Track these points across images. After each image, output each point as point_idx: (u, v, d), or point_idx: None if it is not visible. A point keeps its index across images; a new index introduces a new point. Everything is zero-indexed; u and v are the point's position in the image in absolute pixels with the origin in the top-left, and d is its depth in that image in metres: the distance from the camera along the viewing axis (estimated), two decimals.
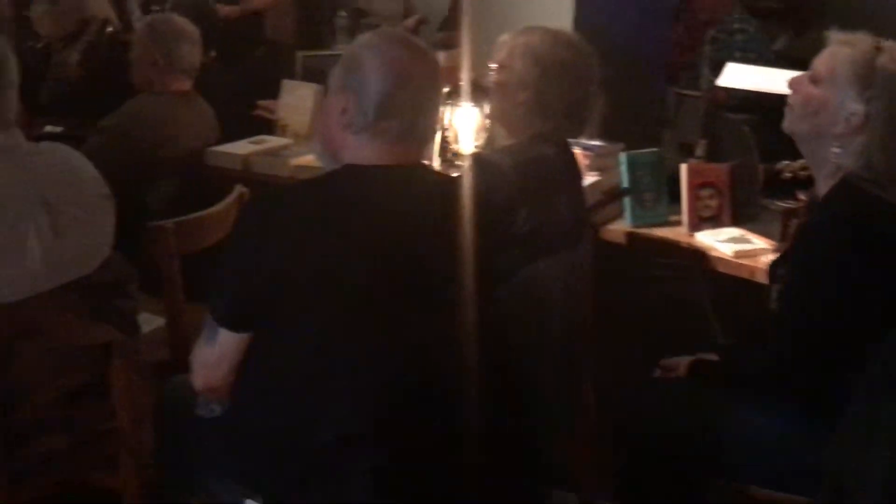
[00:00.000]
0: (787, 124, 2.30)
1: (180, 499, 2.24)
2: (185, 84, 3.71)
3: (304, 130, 3.81)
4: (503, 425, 2.00)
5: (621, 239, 3.16)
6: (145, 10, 7.70)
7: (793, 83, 2.31)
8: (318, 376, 1.86)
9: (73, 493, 2.49)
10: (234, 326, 1.93)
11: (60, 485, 2.39)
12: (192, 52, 3.71)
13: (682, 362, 2.41)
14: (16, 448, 2.21)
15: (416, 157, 1.99)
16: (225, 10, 6.20)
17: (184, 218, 2.75)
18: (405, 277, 1.89)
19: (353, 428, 1.83)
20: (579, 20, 4.11)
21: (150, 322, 2.76)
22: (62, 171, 2.37)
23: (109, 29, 5.66)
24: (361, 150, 1.93)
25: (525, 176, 2.42)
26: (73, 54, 5.52)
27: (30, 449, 2.27)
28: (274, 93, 4.10)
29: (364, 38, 2.04)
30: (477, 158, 2.61)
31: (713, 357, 2.40)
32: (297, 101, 3.87)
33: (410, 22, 7.96)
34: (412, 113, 1.92)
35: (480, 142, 3.23)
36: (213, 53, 4.51)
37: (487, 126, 3.01)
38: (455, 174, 2.48)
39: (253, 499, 2.01)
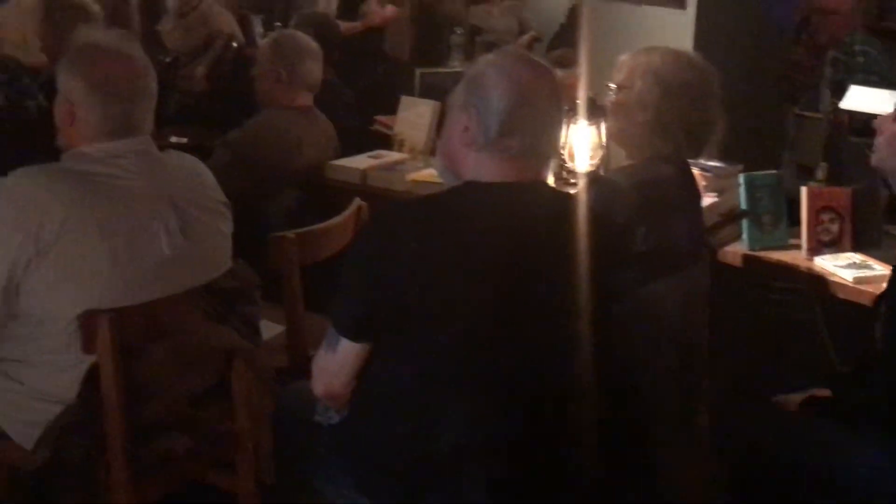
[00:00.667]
0: (875, 161, 2.26)
1: (295, 502, 2.29)
2: (307, 99, 3.78)
3: (420, 146, 3.85)
4: (617, 442, 2.00)
5: (738, 261, 3.11)
6: (267, 26, 7.91)
7: (879, 122, 2.27)
8: (436, 388, 1.88)
9: (192, 492, 2.55)
10: (354, 336, 1.95)
11: (180, 484, 2.44)
12: (314, 69, 3.78)
13: (795, 399, 2.37)
14: (141, 446, 2.26)
15: (537, 175, 2.00)
16: (345, 26, 6.32)
17: (305, 229, 2.78)
18: (523, 293, 1.89)
19: (469, 439, 1.85)
20: (699, 39, 4.06)
21: (269, 329, 2.81)
22: (188, 177, 2.45)
23: (234, 44, 5.82)
24: (482, 167, 1.95)
25: (644, 196, 2.40)
26: (199, 68, 5.69)
27: (154, 448, 2.32)
28: (391, 108, 4.15)
29: (487, 56, 2.05)
30: (596, 178, 2.61)
31: (826, 393, 2.35)
32: (414, 116, 3.90)
33: (525, 39, 7.97)
34: (534, 131, 1.93)
35: (596, 160, 3.23)
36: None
37: (603, 144, 3.00)
38: (571, 192, 2.48)
39: None
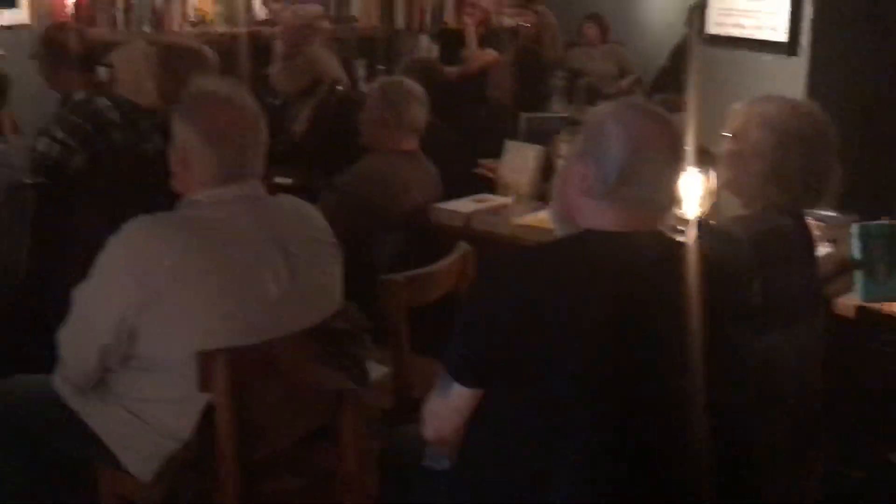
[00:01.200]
0: None
1: None
2: (412, 143, 3.83)
3: (525, 190, 3.85)
4: (728, 496, 1.96)
5: (851, 313, 3.02)
6: (370, 70, 8.04)
7: None
8: (550, 439, 1.85)
9: None
10: (467, 381, 1.95)
11: None
12: (419, 113, 3.83)
13: None
14: (252, 485, 2.28)
15: (654, 224, 1.98)
16: (447, 71, 6.39)
17: (413, 273, 2.81)
18: (638, 342, 1.87)
19: (583, 494, 1.83)
20: (812, 86, 4.00)
21: (375, 370, 2.81)
22: (296, 220, 2.49)
23: (339, 88, 5.93)
24: (600, 216, 1.94)
25: (760, 247, 2.37)
26: (305, 110, 5.80)
27: (264, 487, 2.34)
28: (494, 152, 4.17)
29: (606, 106, 2.06)
30: (712, 228, 2.57)
31: None
32: (519, 161, 3.91)
33: (626, 82, 7.97)
34: (652, 181, 1.93)
35: (706, 208, 3.20)
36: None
37: (714, 192, 2.97)
38: (686, 241, 2.45)
39: None
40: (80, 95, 3.80)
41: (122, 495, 2.47)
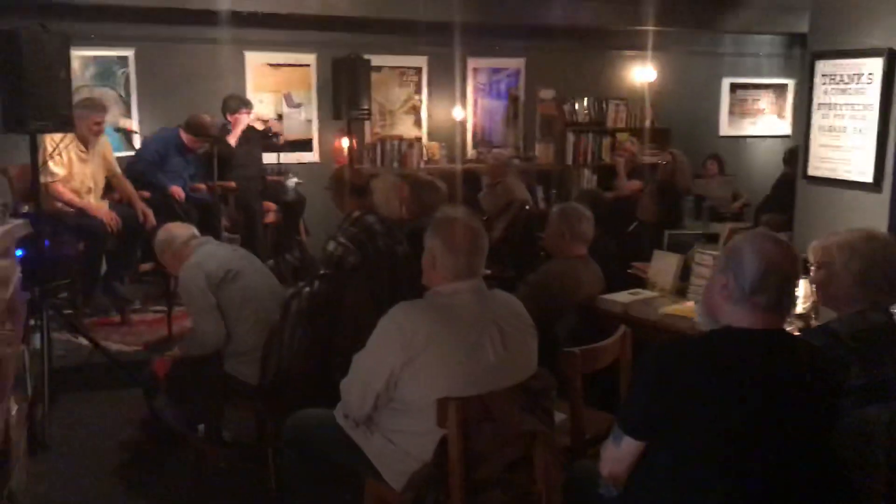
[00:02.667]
0: None
1: None
2: (582, 250, 3.80)
3: (668, 287, 3.76)
4: None
5: None
6: (546, 193, 8.10)
7: None
8: (698, 481, 1.80)
9: None
10: (636, 436, 1.91)
11: None
12: (588, 228, 3.80)
13: None
14: (473, 497, 2.28)
15: (779, 324, 1.92)
16: (607, 195, 6.37)
17: (586, 347, 2.76)
18: (768, 414, 1.80)
19: None
20: (894, 221, 3.78)
21: (558, 417, 2.78)
22: (507, 306, 2.50)
23: (527, 207, 6.00)
24: (737, 316, 1.89)
25: (857, 339, 2.24)
26: (502, 222, 5.89)
27: (481, 500, 2.32)
28: (645, 257, 4.11)
29: (743, 235, 2.01)
30: (820, 328, 2.44)
31: None
32: (664, 265, 3.83)
33: (737, 205, 7.72)
34: (778, 291, 1.87)
35: (808, 306, 3.05)
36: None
37: (812, 294, 2.82)
38: (796, 335, 2.34)
39: None
40: (356, 213, 3.96)
41: (381, 498, 2.51)
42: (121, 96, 6.81)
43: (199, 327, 3.28)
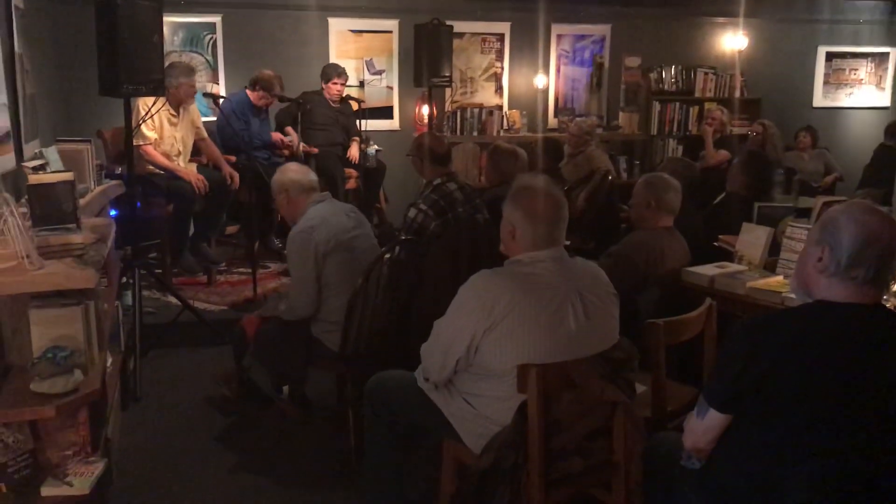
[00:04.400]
0: None
1: None
2: (669, 221, 3.71)
3: (756, 261, 3.66)
4: None
5: None
6: (629, 164, 7.96)
7: None
8: (785, 455, 1.77)
9: (581, 501, 2.54)
10: (721, 409, 1.90)
11: (574, 494, 2.43)
12: (675, 199, 3.71)
13: None
14: (550, 464, 2.29)
15: (877, 299, 1.85)
16: (697, 165, 6.22)
17: (670, 319, 2.73)
18: (861, 391, 1.75)
19: (809, 499, 1.72)
20: None
21: (639, 388, 2.76)
22: (589, 275, 2.46)
23: (609, 177, 5.91)
24: (832, 290, 1.84)
25: None
26: (582, 193, 5.83)
27: (559, 466, 2.33)
28: (733, 229, 4.00)
29: (840, 206, 1.93)
30: None
31: None
32: (752, 238, 3.72)
33: (829, 179, 7.45)
34: (877, 264, 1.80)
35: None
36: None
37: None
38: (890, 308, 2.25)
39: None
40: (436, 180, 3.98)
41: (459, 460, 2.55)
42: (208, 62, 6.99)
43: (295, 295, 3.31)
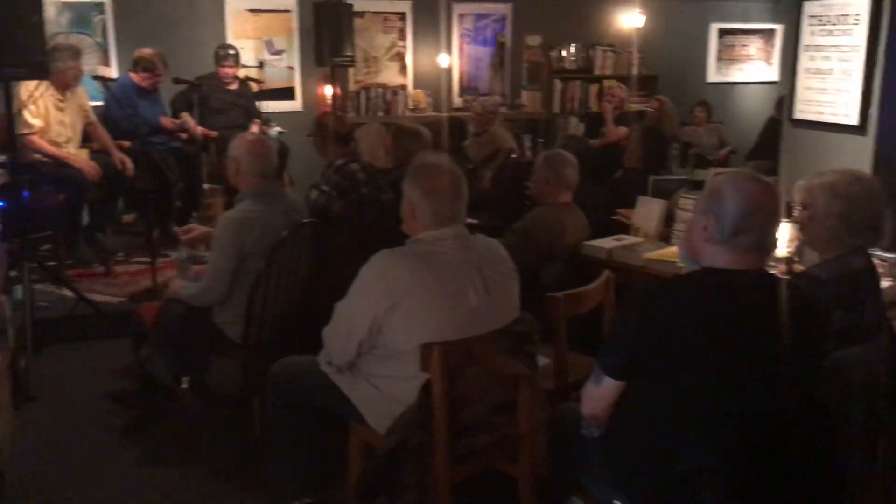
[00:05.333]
0: None
1: (562, 490, 2.27)
2: (568, 197, 3.78)
3: (652, 233, 3.77)
4: (818, 472, 1.87)
5: None
6: (533, 142, 8.05)
7: None
8: (679, 420, 1.82)
9: (487, 475, 2.58)
10: (616, 376, 1.93)
11: (480, 468, 2.47)
12: (573, 174, 3.78)
13: None
14: (457, 440, 2.32)
15: (760, 265, 1.92)
16: (593, 142, 6.34)
17: (569, 292, 2.77)
18: (749, 352, 1.82)
19: (706, 461, 1.78)
20: (878, 160, 3.76)
21: (541, 361, 2.80)
22: (489, 252, 2.48)
23: (513, 156, 5.96)
24: (718, 257, 1.90)
25: (839, 285, 2.25)
26: (488, 172, 5.86)
27: (465, 442, 2.35)
28: (628, 203, 4.11)
29: (724, 174, 2.00)
30: (802, 274, 2.45)
31: None
32: (648, 211, 3.83)
33: (724, 152, 7.72)
34: (759, 231, 1.86)
35: (791, 248, 3.06)
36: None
37: (797, 238, 2.83)
38: (778, 276, 2.35)
39: (620, 501, 1.99)
40: (339, 161, 3.92)
41: (365, 442, 2.55)
42: (98, 43, 6.68)
43: (208, 282, 3.16)
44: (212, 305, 3.19)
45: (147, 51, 5.78)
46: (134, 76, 5.78)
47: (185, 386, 3.40)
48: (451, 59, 7.90)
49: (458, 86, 8.02)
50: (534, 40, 8.10)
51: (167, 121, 5.99)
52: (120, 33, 6.70)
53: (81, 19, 6.62)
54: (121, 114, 5.39)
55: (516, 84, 8.16)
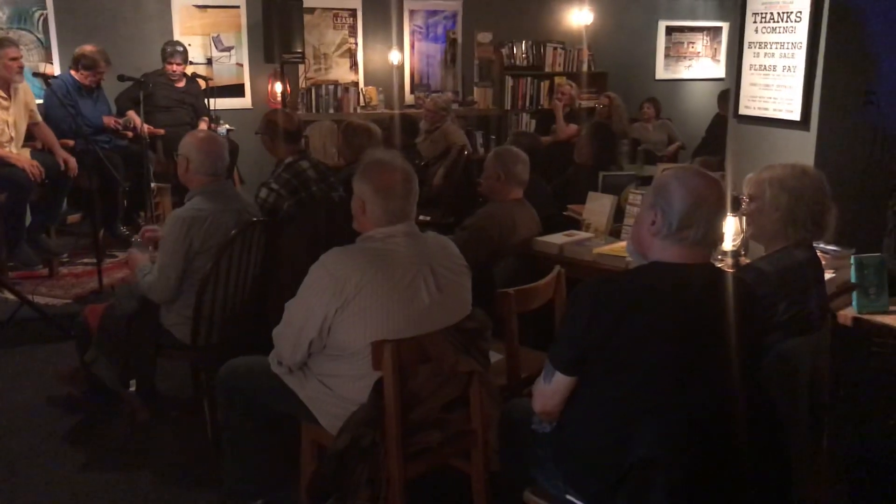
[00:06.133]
0: None
1: (515, 486, 2.26)
2: (519, 193, 3.78)
3: (602, 228, 3.80)
4: (766, 458, 1.90)
5: (849, 323, 2.94)
6: (485, 139, 8.06)
7: None
8: (629, 413, 1.83)
9: (440, 472, 2.58)
10: (566, 371, 1.94)
11: (433, 465, 2.45)
12: (523, 171, 3.78)
13: None
14: (408, 438, 2.30)
15: (706, 258, 1.94)
16: (545, 139, 6.36)
17: (521, 287, 2.78)
18: (696, 345, 1.84)
19: (655, 452, 1.79)
20: (820, 154, 3.85)
21: (494, 357, 2.80)
22: (440, 248, 2.47)
23: (465, 152, 5.96)
24: (665, 251, 1.91)
25: (784, 278, 2.29)
26: (440, 169, 5.84)
27: (417, 439, 2.34)
28: (579, 199, 4.13)
29: (671, 170, 2.02)
30: (747, 266, 2.48)
31: None
32: (598, 206, 3.86)
33: (672, 148, 7.82)
34: (705, 225, 1.88)
35: (738, 242, 3.11)
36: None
37: (742, 232, 2.88)
38: (724, 269, 2.38)
39: (573, 495, 2.00)
40: (289, 159, 3.87)
41: (316, 441, 2.52)
42: (39, 40, 6.50)
43: (158, 277, 3.07)
44: (159, 304, 3.12)
45: (88, 48, 5.64)
46: (75, 74, 5.64)
47: (132, 389, 3.33)
48: (403, 56, 7.87)
49: (410, 83, 8.00)
50: (485, 37, 8.11)
51: (110, 120, 5.86)
52: (62, 29, 6.53)
53: (21, 15, 6.43)
54: (62, 112, 5.24)
55: (468, 81, 8.17)
